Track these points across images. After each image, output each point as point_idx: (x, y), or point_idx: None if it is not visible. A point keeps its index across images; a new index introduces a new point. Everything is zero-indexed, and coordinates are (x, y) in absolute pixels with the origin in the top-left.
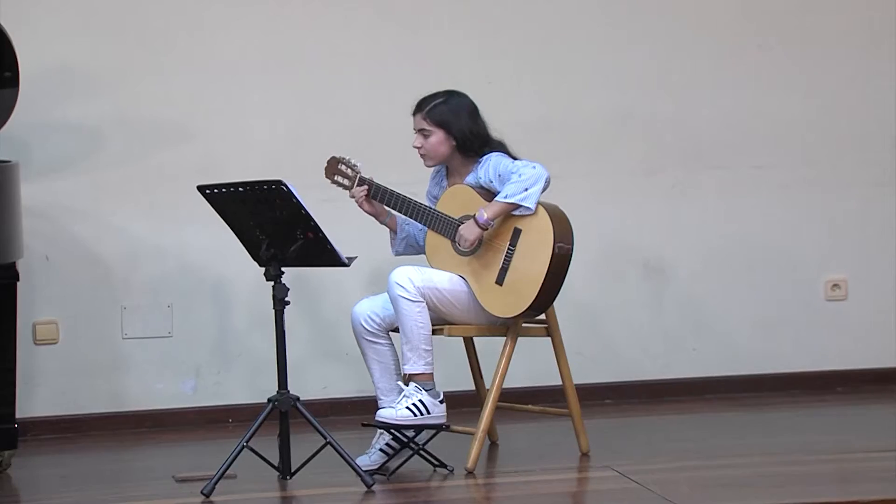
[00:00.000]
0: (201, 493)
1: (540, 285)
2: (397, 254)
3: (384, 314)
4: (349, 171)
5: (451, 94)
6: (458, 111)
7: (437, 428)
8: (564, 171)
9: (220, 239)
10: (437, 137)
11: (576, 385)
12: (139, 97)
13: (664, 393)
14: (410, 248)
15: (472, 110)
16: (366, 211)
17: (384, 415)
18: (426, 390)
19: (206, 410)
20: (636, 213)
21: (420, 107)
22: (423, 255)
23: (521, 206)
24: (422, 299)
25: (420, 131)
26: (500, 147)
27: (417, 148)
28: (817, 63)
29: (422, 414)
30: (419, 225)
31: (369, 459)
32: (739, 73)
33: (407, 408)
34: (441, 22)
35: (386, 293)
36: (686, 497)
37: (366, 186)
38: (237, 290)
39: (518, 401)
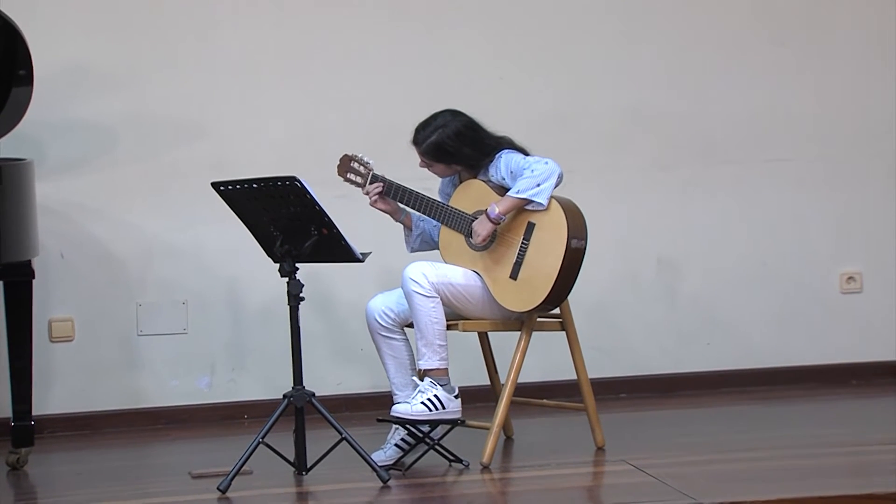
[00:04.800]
0: (217, 489)
1: (554, 279)
2: (412, 251)
3: (399, 309)
4: (362, 168)
5: (443, 125)
6: (453, 141)
7: (453, 423)
8: (577, 167)
9: (235, 235)
10: (439, 168)
11: (590, 379)
12: (152, 95)
13: (678, 387)
14: (425, 245)
15: (468, 131)
16: (380, 209)
17: (399, 410)
18: (441, 385)
19: (222, 407)
20: (649, 209)
21: (416, 141)
22: (437, 251)
23: (533, 201)
24: (436, 295)
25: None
26: (508, 144)
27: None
28: (829, 57)
29: (437, 409)
30: (434, 221)
31: (385, 455)
32: (751, 69)
33: (422, 403)
34: (454, 19)
35: (400, 288)
36: (701, 490)
37: (379, 184)
38: (252, 286)
39: (533, 395)
